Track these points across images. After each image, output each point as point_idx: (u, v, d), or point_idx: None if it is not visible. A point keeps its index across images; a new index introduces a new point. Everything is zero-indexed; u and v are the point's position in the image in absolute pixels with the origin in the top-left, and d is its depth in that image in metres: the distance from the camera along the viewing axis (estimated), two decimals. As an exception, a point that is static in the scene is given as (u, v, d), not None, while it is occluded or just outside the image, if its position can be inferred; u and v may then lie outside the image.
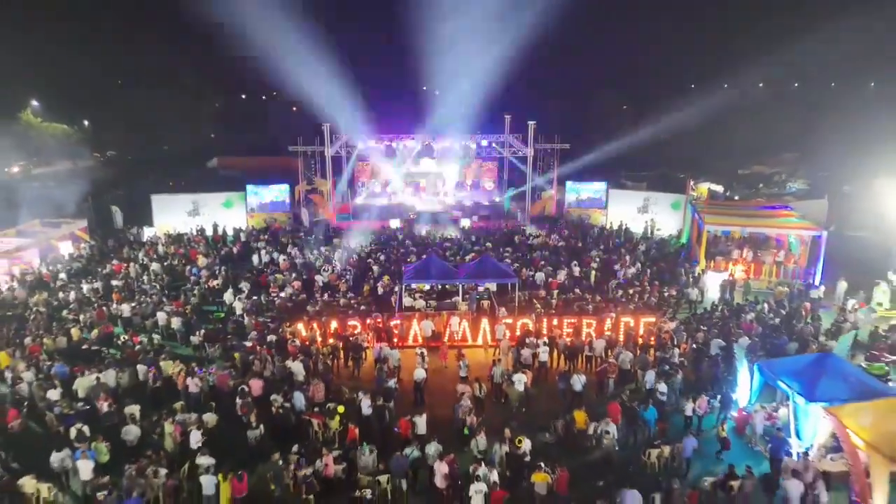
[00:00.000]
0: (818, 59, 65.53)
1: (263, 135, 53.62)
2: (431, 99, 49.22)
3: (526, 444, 12.99)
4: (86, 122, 72.71)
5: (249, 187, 35.60)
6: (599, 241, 31.67)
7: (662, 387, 15.68)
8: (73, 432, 13.57)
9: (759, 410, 14.72)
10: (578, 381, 15.88)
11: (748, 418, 14.71)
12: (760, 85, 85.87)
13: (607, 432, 13.56)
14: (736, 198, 42.40)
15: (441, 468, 12.17)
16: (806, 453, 12.93)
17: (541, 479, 11.96)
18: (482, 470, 11.87)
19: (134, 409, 14.56)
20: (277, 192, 36.23)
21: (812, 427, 13.26)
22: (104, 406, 14.84)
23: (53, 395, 15.47)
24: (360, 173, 42.69)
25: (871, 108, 61.10)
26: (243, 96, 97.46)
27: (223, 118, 77.57)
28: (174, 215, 34.00)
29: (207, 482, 11.92)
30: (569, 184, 38.01)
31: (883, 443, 11.19)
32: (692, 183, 42.86)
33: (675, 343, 18.25)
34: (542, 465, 12.20)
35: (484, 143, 39.10)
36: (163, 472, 12.11)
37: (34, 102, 65.94)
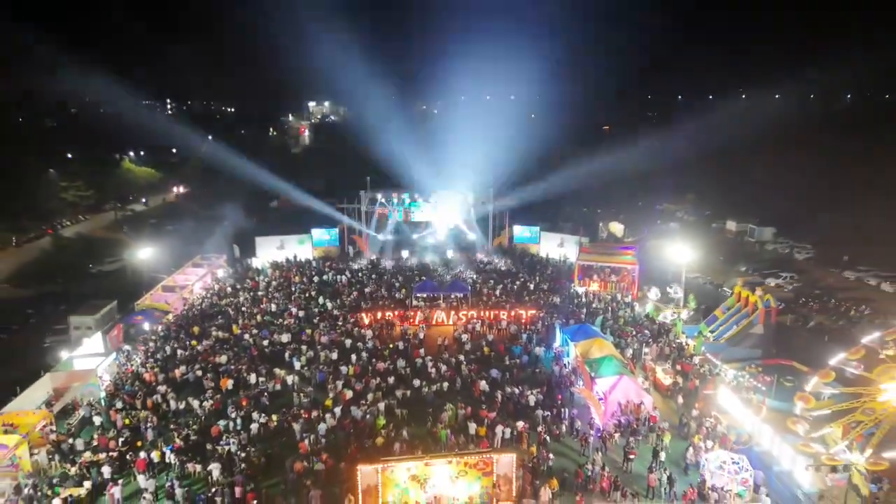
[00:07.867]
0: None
1: (310, 180, 73.99)
2: (432, 163, 70.19)
3: (462, 358, 34.24)
4: (142, 152, 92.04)
5: (314, 231, 56.64)
6: (527, 266, 52.74)
7: (525, 338, 36.87)
8: (286, 355, 34.72)
9: (558, 347, 35.81)
10: (489, 336, 37.08)
11: (558, 350, 35.72)
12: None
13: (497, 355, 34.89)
14: (620, 238, 62.38)
15: (430, 365, 33.35)
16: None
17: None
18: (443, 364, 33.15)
19: (303, 348, 35.70)
20: (332, 234, 57.42)
21: (572, 352, 34.32)
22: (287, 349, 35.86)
23: (265, 342, 36.57)
24: (381, 217, 63.54)
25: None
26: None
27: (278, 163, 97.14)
28: (268, 250, 55.06)
29: (343, 368, 32.96)
30: (516, 227, 59.14)
31: (584, 352, 32.31)
32: (601, 224, 64.12)
33: (542, 322, 39.39)
34: (468, 364, 33.48)
35: (464, 193, 60.13)
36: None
37: (131, 153, 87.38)
